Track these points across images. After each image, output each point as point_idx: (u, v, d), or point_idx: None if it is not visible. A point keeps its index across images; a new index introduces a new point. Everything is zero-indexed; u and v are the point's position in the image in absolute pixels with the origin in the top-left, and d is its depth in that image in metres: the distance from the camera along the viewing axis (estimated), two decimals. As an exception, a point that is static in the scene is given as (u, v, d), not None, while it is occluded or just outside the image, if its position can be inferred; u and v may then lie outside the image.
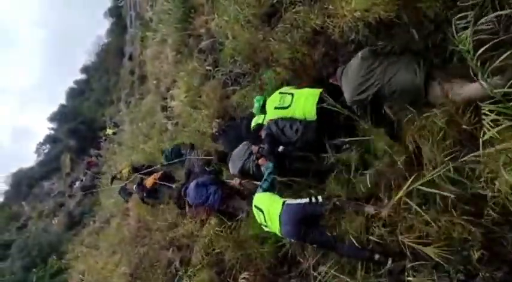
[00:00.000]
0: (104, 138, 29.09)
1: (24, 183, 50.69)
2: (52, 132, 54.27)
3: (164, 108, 11.39)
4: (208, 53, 8.20)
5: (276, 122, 4.48)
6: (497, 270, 2.77)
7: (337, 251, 3.70)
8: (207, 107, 7.44)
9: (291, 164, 4.43)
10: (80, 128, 43.52)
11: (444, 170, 2.91)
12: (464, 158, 2.81)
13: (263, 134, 4.60)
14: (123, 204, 13.06)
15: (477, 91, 2.80)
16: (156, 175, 9.30)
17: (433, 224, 2.98)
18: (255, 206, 4.26)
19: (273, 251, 4.70)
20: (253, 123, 5.08)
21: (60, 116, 51.98)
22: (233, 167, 5.08)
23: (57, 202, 34.13)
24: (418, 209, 3.07)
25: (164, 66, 12.24)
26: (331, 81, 4.07)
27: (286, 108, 4.41)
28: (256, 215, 4.31)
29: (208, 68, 7.91)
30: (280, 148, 4.34)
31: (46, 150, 55.38)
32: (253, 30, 5.95)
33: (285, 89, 4.73)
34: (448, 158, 2.96)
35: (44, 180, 47.40)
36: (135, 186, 10.64)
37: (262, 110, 5.00)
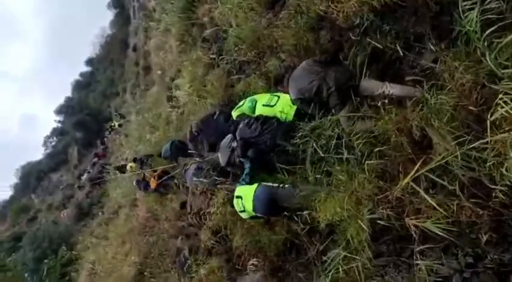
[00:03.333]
0: (109, 130, 29.18)
1: (33, 176, 51.18)
2: (59, 125, 54.57)
3: (169, 99, 11.36)
4: (212, 42, 8.14)
5: (249, 121, 4.98)
6: (506, 252, 2.76)
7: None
8: (212, 95, 7.40)
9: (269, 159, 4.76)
10: (86, 120, 43.72)
11: (452, 156, 2.89)
12: (473, 145, 2.79)
13: (238, 134, 5.02)
14: (131, 195, 13.17)
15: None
16: (156, 176, 9.63)
17: (439, 209, 2.97)
18: (236, 196, 4.76)
19: (281, 238, 4.73)
20: (237, 113, 5.51)
21: (66, 109, 52.20)
22: (222, 159, 5.30)
23: (66, 194, 34.44)
24: (425, 196, 3.06)
25: (168, 56, 12.21)
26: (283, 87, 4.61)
27: (272, 106, 4.90)
28: (236, 205, 4.78)
29: (212, 56, 7.85)
30: (249, 152, 4.75)
31: (53, 143, 55.77)
32: (257, 18, 5.91)
33: (274, 92, 5.30)
34: (456, 141, 2.94)
35: (52, 173, 47.85)
36: (135, 181, 10.89)
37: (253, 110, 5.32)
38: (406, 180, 3.16)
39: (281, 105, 4.78)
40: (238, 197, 4.73)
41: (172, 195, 8.67)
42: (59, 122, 54.51)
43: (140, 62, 23.94)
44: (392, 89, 3.71)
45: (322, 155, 3.89)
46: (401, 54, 3.76)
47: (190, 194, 6.85)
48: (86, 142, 41.72)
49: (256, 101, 5.25)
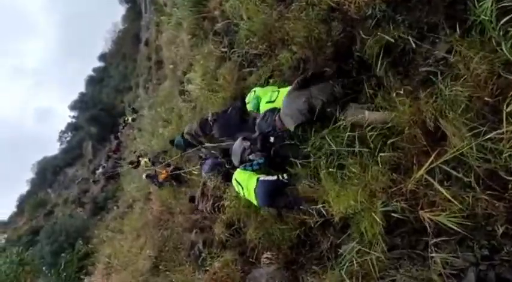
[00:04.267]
0: (123, 124, 29.43)
1: (49, 170, 51.94)
2: (73, 120, 55.21)
3: (182, 93, 11.39)
4: (223, 35, 8.12)
5: (265, 114, 5.19)
6: (523, 244, 2.73)
7: (298, 207, 4.52)
8: (224, 89, 7.42)
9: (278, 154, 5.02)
10: (100, 115, 44.12)
11: (467, 147, 2.86)
12: (489, 136, 2.75)
13: (257, 130, 5.29)
14: (145, 189, 13.31)
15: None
16: (168, 169, 10.16)
17: (454, 202, 2.94)
18: (235, 179, 5.31)
19: (295, 231, 4.74)
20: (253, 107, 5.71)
21: (80, 104, 52.75)
22: (235, 160, 5.63)
23: (82, 188, 34.88)
24: (439, 188, 3.03)
25: (180, 50, 12.22)
26: (278, 129, 4.77)
27: (273, 102, 5.12)
28: (235, 186, 5.36)
29: (223, 50, 7.84)
30: (271, 139, 4.96)
31: (68, 138, 56.47)
32: (268, 10, 5.87)
33: (275, 87, 5.46)
34: (471, 133, 2.91)
35: (67, 167, 48.52)
36: (144, 175, 11.20)
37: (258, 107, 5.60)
38: (420, 173, 3.14)
39: (281, 98, 4.89)
40: (238, 182, 5.25)
41: (186, 189, 8.75)
42: (74, 117, 55.20)
43: (152, 57, 24.03)
44: (372, 115, 3.79)
45: (335, 148, 3.87)
46: (414, 45, 3.71)
47: (201, 188, 6.92)
48: (100, 137, 42.17)
49: (260, 98, 5.49)
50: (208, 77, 8.26)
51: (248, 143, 5.37)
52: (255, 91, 5.72)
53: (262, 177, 4.89)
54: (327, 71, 4.52)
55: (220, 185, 6.50)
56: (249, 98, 5.77)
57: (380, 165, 3.48)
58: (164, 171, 10.31)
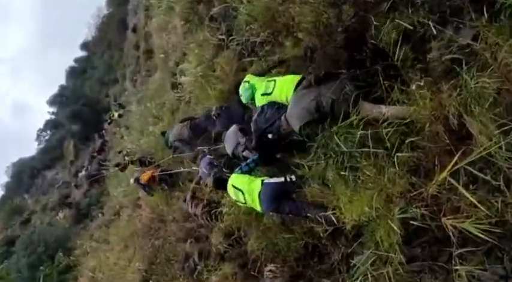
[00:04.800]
0: (108, 121, 29.45)
1: (26, 173, 51.94)
2: (53, 116, 55.19)
3: (174, 86, 11.40)
4: (220, 21, 8.11)
5: (262, 109, 5.19)
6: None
7: (306, 215, 4.44)
8: (222, 81, 7.42)
9: (275, 152, 5.23)
10: (82, 110, 44.07)
11: (495, 146, 2.86)
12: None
13: (252, 126, 5.22)
14: (133, 194, 13.32)
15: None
16: (155, 170, 10.20)
17: (481, 207, 2.94)
18: (233, 185, 5.21)
19: (302, 241, 4.74)
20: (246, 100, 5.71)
21: (60, 99, 52.69)
22: (227, 148, 5.85)
23: (62, 193, 34.90)
24: (464, 192, 3.03)
25: (172, 37, 12.22)
26: (283, 129, 4.73)
27: (270, 94, 5.06)
28: (233, 194, 5.26)
29: (221, 37, 7.83)
30: (270, 136, 4.97)
31: (47, 137, 56.46)
32: (271, -8, 5.87)
33: (269, 77, 5.45)
34: (499, 130, 2.90)
35: (46, 170, 48.52)
36: (132, 180, 11.20)
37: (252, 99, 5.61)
38: (443, 175, 3.14)
39: (279, 89, 4.93)
40: (237, 188, 5.13)
41: (180, 193, 8.75)
42: (53, 113, 55.14)
43: (141, 45, 23.98)
44: (390, 110, 3.80)
45: (345, 150, 3.86)
46: (435, 31, 3.70)
47: (192, 188, 7.03)
48: (83, 135, 42.14)
49: (255, 89, 5.46)
50: (204, 67, 8.28)
51: (244, 140, 5.50)
52: (248, 81, 5.72)
53: (267, 180, 4.87)
54: (343, 72, 4.45)
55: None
56: (242, 89, 5.76)
57: (397, 167, 3.47)
58: (149, 173, 10.24)
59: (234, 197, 5.33)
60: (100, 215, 21.42)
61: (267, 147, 5.04)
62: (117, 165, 14.80)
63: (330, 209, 4.08)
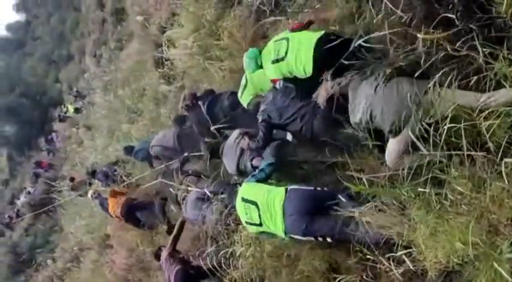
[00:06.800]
0: (60, 118, 29.68)
1: None
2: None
3: (159, 63, 11.44)
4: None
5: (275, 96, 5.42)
6: None
7: (357, 240, 4.51)
8: (231, 55, 7.38)
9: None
10: (20, 104, 44.32)
11: None
12: None
13: (259, 117, 5.44)
14: (100, 229, 13.38)
15: None
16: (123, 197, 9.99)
17: None
18: (243, 198, 5.28)
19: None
20: (246, 101, 6.08)
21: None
22: (229, 165, 6.01)
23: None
24: None
25: (155, -12, 12.30)
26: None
27: (283, 59, 5.13)
28: (241, 210, 5.34)
29: (228, -14, 7.84)
30: (289, 137, 5.32)
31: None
32: None
33: (280, 35, 5.51)
34: None
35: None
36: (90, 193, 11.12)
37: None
38: None
39: (294, 55, 4.97)
40: (248, 201, 5.22)
41: (165, 225, 8.76)
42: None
43: (107, 2, 24.16)
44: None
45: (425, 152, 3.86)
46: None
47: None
48: (22, 141, 42.44)
49: (259, 58, 5.49)
50: (203, 34, 8.26)
51: (246, 142, 5.64)
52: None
53: (294, 186, 5.01)
54: None
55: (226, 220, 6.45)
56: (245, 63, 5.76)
57: (506, 180, 3.47)
58: (116, 200, 10.08)
59: (243, 217, 5.38)
60: (50, 261, 21.59)
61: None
62: (73, 188, 14.86)
63: (401, 245, 4.08)
